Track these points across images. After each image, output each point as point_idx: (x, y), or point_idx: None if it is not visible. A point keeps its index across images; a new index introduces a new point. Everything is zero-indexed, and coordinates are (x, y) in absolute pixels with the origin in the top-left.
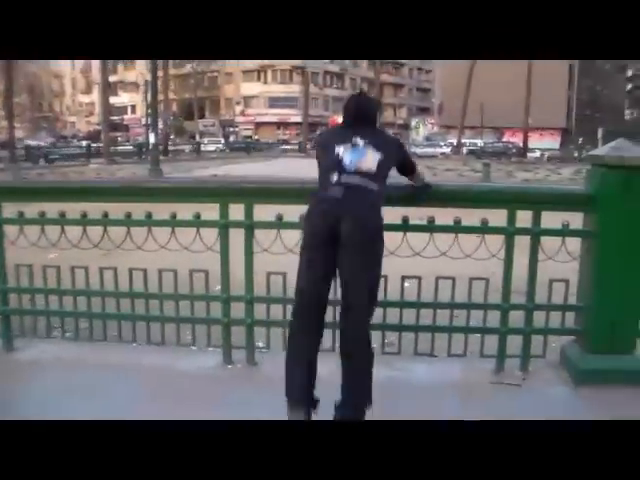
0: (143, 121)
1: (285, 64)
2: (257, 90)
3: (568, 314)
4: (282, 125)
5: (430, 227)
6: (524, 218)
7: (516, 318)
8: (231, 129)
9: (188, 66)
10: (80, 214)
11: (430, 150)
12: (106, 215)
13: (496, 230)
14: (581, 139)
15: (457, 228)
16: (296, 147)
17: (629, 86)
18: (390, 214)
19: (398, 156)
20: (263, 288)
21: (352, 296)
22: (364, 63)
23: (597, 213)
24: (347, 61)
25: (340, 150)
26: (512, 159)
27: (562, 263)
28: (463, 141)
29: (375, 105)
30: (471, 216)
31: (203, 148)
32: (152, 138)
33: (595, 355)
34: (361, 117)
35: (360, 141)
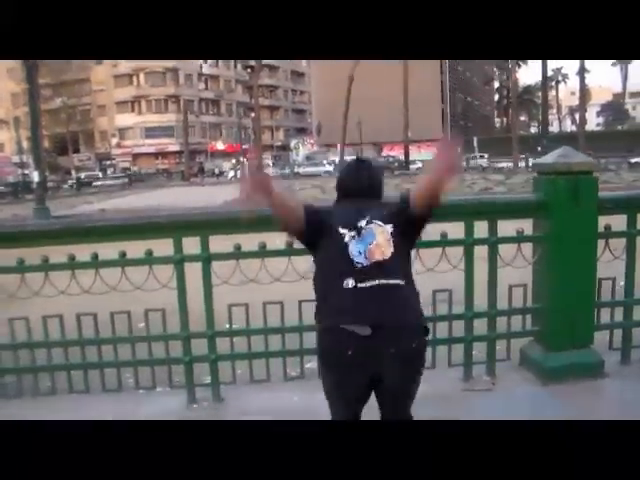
0: (14, 159)
1: (159, 93)
2: (132, 121)
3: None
4: (160, 155)
5: None
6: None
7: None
8: (108, 162)
9: (58, 100)
10: None
11: (313, 169)
12: (46, 260)
13: (456, 242)
14: (459, 148)
15: (418, 244)
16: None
17: (496, 97)
18: None
19: (406, 209)
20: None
21: (399, 413)
22: (239, 88)
23: (549, 218)
24: (222, 87)
25: (346, 238)
26: (395, 172)
27: (515, 269)
28: (345, 158)
29: (381, 174)
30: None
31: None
32: (36, 176)
33: (557, 353)
34: (365, 194)
35: (362, 221)
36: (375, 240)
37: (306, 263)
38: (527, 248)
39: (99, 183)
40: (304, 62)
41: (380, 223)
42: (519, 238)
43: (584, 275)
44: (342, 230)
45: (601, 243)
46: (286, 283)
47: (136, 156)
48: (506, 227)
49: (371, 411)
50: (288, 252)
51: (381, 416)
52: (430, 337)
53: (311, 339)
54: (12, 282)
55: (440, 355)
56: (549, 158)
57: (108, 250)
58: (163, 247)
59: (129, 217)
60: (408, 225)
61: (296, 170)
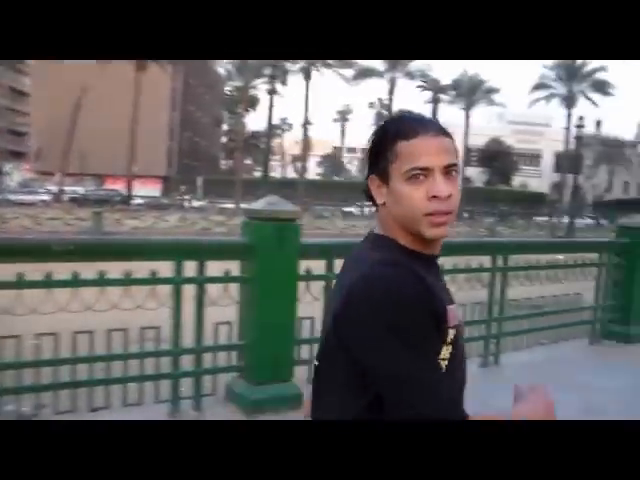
0: None
1: None
2: None
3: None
4: None
5: (101, 281)
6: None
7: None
8: None
9: None
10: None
11: (28, 197)
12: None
13: (165, 281)
14: (183, 187)
15: (128, 281)
16: None
17: (224, 139)
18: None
19: None
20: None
21: None
22: None
23: (255, 260)
24: None
25: None
26: (116, 206)
27: (223, 307)
28: (64, 188)
29: None
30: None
31: None
32: None
33: (261, 386)
34: None
35: None
36: None
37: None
38: (234, 288)
39: None
40: (27, 80)
41: None
42: (226, 279)
43: (285, 314)
44: None
45: (303, 285)
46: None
47: None
48: (215, 267)
49: None
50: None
51: None
52: (137, 373)
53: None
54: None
55: (147, 391)
56: (258, 204)
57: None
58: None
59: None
60: None
61: (8, 197)
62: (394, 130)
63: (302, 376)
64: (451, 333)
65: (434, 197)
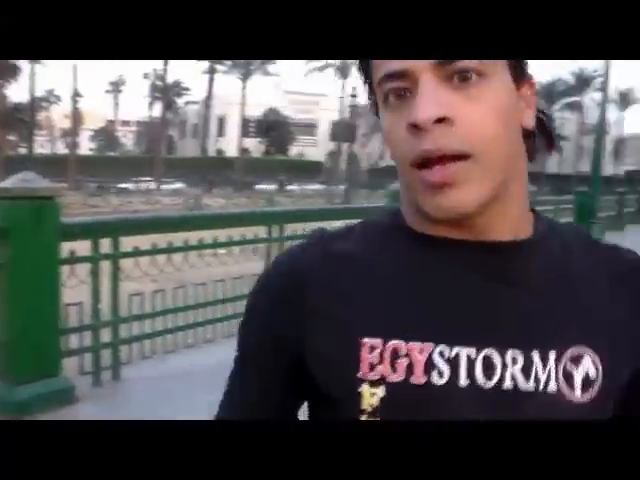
0: None
1: None
2: None
3: None
4: None
5: None
6: None
7: None
8: None
9: None
10: None
11: None
12: None
13: None
14: None
15: None
16: None
17: None
18: None
19: None
20: None
21: None
22: None
23: (8, 245)
24: None
25: None
26: None
27: None
28: None
29: None
30: None
31: None
32: None
33: (25, 385)
34: None
35: None
36: None
37: None
38: None
39: None
40: None
41: None
42: None
43: (48, 302)
44: None
45: (68, 268)
46: None
47: None
48: None
49: None
50: None
51: None
52: None
53: None
54: None
55: None
56: (9, 182)
57: None
58: None
59: None
60: None
61: None
62: None
63: (73, 367)
64: (369, 394)
65: (414, 127)
